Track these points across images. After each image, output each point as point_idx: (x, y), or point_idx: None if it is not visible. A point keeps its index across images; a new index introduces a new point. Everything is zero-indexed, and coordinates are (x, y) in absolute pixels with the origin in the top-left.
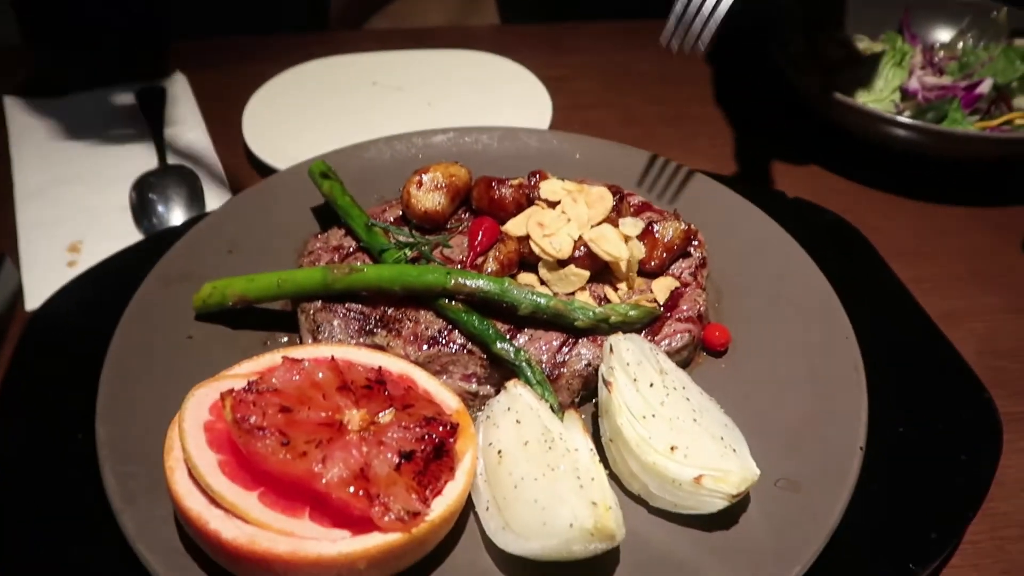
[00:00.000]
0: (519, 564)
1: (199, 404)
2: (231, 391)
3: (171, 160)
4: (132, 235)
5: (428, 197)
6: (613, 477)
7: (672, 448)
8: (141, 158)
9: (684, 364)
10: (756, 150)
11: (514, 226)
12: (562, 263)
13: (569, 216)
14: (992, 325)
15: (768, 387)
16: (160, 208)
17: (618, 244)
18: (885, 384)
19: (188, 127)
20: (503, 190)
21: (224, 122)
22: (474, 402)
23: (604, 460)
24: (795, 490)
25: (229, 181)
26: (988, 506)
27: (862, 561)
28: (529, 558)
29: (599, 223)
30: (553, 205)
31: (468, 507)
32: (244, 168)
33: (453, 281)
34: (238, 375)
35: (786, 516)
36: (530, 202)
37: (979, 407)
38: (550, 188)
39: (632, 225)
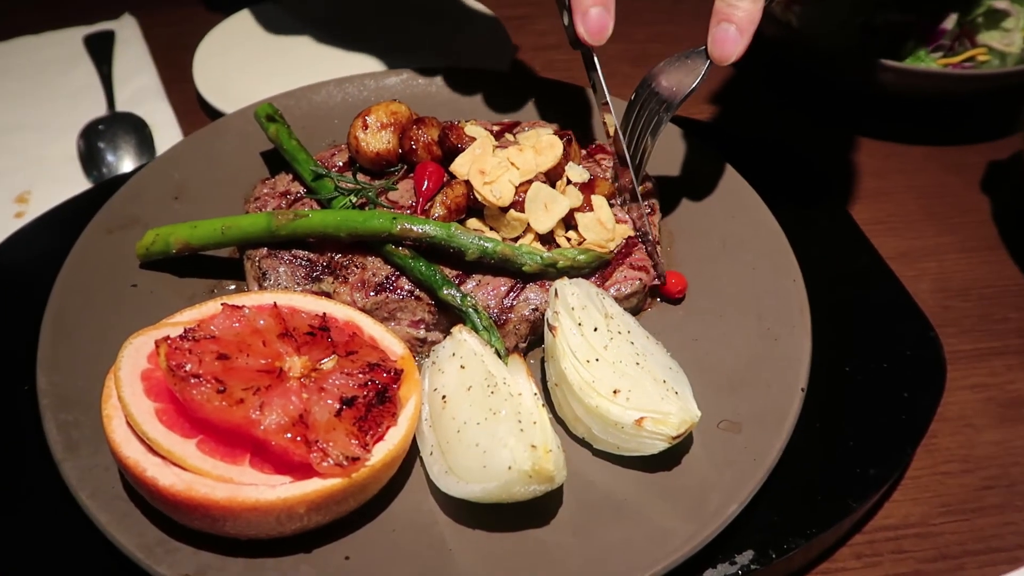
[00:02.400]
0: (464, 507)
1: (137, 352)
2: (166, 338)
3: (121, 107)
4: (81, 184)
5: (377, 138)
6: (559, 421)
7: (615, 391)
8: (90, 105)
9: (635, 311)
10: (718, 90)
11: (460, 168)
12: (504, 209)
13: (517, 164)
14: (946, 264)
15: (716, 330)
16: (109, 157)
17: (550, 208)
18: (834, 323)
19: (138, 72)
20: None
21: (176, 66)
22: (422, 348)
23: (550, 404)
24: (736, 431)
25: (181, 127)
26: (931, 442)
27: (802, 497)
28: (471, 500)
29: (548, 170)
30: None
31: (414, 452)
32: (197, 114)
33: (399, 226)
34: (179, 323)
35: (726, 456)
36: (454, 149)
37: (925, 345)
38: (474, 130)
39: (578, 173)
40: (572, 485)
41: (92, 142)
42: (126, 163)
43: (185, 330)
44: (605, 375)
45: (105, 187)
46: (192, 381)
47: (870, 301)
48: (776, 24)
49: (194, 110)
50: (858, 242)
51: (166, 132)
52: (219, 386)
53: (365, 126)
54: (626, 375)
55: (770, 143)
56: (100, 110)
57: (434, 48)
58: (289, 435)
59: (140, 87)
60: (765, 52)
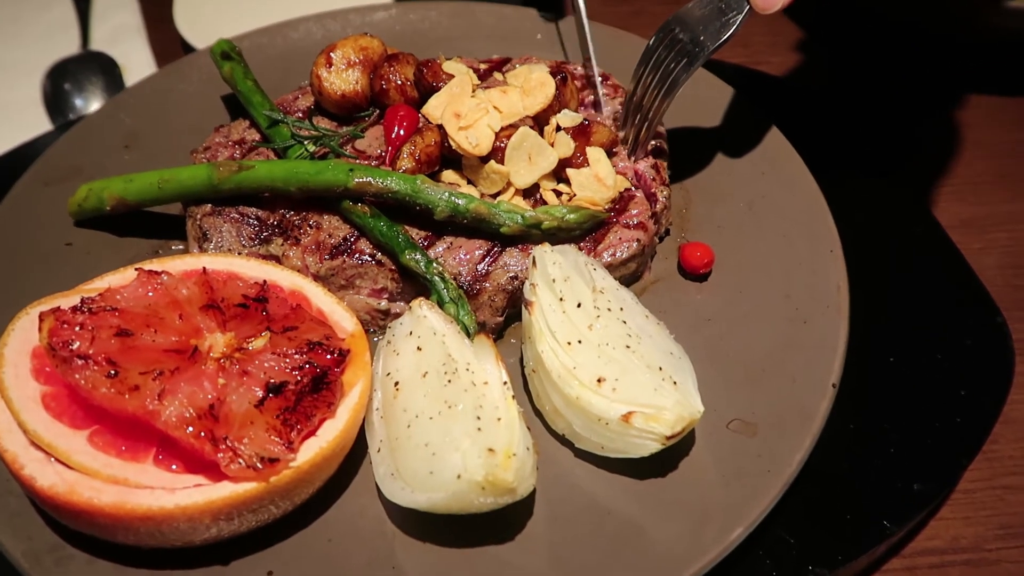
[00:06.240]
0: (416, 514)
1: (34, 324)
2: (55, 310)
3: (96, 47)
4: (45, 129)
5: (342, 77)
6: (537, 414)
7: (599, 380)
8: (63, 45)
9: (633, 279)
10: (766, 31)
11: (433, 111)
12: (483, 159)
13: (500, 106)
14: (1018, 235)
15: (734, 309)
16: (76, 100)
17: (534, 160)
18: (879, 305)
19: (119, 8)
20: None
21: (162, 2)
22: (385, 321)
23: (527, 394)
24: (750, 434)
25: (158, 69)
26: (991, 449)
27: (827, 517)
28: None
29: (537, 114)
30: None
31: (363, 446)
32: (177, 55)
33: (356, 179)
34: (95, 289)
35: (735, 465)
36: (430, 89)
37: (988, 333)
38: (454, 67)
39: (570, 118)
40: (547, 492)
41: (58, 84)
42: (94, 107)
43: (82, 300)
44: (589, 360)
45: (62, 131)
46: (76, 362)
47: (924, 279)
48: None
49: (175, 51)
50: (913, 207)
51: (141, 75)
52: (110, 369)
53: (329, 63)
54: (614, 360)
55: (814, 90)
56: (74, 50)
57: None
58: (191, 429)
59: (119, 25)
60: None
